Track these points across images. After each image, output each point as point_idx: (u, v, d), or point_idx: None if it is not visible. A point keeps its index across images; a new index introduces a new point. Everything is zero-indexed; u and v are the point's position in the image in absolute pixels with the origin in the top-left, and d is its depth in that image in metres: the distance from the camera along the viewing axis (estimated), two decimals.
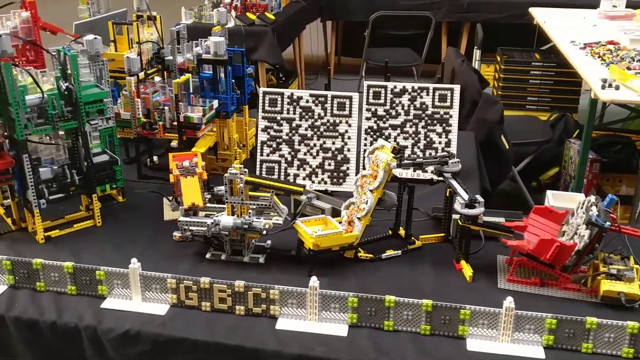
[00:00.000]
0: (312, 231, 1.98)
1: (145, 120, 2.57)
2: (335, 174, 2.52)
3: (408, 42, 6.84)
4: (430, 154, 2.63)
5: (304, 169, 2.53)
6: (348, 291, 1.79)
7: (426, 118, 2.63)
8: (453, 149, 2.62)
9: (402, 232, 2.22)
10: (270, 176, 2.49)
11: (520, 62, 5.70)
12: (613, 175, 4.56)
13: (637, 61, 4.22)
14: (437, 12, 6.82)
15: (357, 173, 2.44)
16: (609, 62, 4.23)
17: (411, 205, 2.15)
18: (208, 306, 1.83)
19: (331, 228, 2.02)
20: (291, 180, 2.53)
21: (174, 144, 2.95)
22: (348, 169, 2.52)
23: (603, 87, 3.72)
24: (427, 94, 2.63)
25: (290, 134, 2.54)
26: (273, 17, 5.89)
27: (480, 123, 3.86)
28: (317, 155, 2.53)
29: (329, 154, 2.53)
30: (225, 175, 1.99)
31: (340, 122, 2.53)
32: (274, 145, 2.54)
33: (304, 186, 2.07)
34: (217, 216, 2.04)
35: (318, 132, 2.53)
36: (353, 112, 2.53)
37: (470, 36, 7.38)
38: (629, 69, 3.80)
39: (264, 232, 1.99)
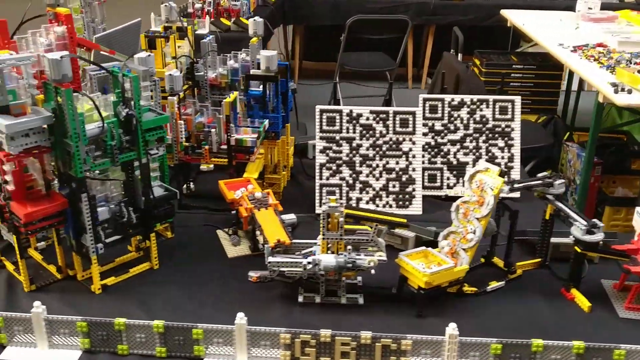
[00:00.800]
0: (422, 267, 1.79)
1: (187, 144, 2.30)
2: (400, 196, 2.34)
3: (377, 45, 6.72)
4: None
5: (367, 192, 2.34)
6: (471, 333, 1.61)
7: (487, 132, 2.48)
8: (516, 164, 2.49)
9: (495, 260, 2.06)
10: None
11: (501, 64, 5.68)
12: (607, 177, 4.58)
13: (634, 63, 4.25)
14: (403, 15, 6.74)
15: None
16: (608, 66, 4.23)
17: (514, 231, 1.99)
18: None
19: (436, 261, 1.84)
20: (353, 205, 2.33)
21: (204, 167, 2.70)
22: (414, 190, 2.34)
23: (616, 92, 3.69)
24: (487, 107, 2.48)
25: (351, 155, 2.34)
26: (247, 22, 5.62)
27: None
28: (381, 176, 2.34)
29: (393, 175, 2.34)
30: (323, 209, 1.77)
31: (404, 139, 2.35)
32: (334, 168, 2.33)
33: (406, 218, 1.88)
34: (312, 255, 1.82)
35: (380, 152, 2.34)
36: (417, 129, 2.35)
37: (435, 39, 7.36)
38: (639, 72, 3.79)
39: (372, 271, 1.78)
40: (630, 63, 4.26)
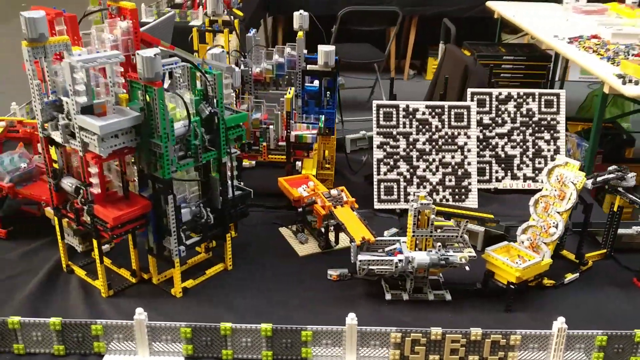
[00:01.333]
0: (511, 262, 1.81)
1: (243, 141, 2.26)
2: (457, 190, 2.35)
3: (362, 37, 6.73)
4: (539, 162, 2.52)
5: (424, 187, 2.34)
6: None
7: (533, 125, 2.52)
8: (562, 155, 2.53)
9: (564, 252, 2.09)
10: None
11: (492, 56, 5.74)
12: (604, 165, 4.71)
13: (632, 55, 4.36)
14: (387, 6, 6.76)
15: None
16: (608, 57, 4.34)
17: (588, 223, 2.02)
18: (437, 359, 1.61)
19: (517, 256, 1.86)
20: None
21: (246, 163, 2.65)
22: (470, 184, 2.36)
23: (624, 83, 3.78)
24: (533, 100, 2.52)
25: (408, 150, 2.33)
26: (241, 14, 5.53)
27: None
28: (437, 170, 2.35)
29: (449, 169, 2.35)
30: (414, 206, 1.76)
31: (459, 134, 2.36)
32: (392, 163, 2.33)
33: (493, 214, 1.89)
34: (397, 252, 1.81)
35: (436, 146, 2.35)
36: (471, 123, 2.36)
37: (418, 30, 7.41)
38: None
39: (466, 267, 1.79)
40: (628, 55, 4.38)
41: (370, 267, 1.79)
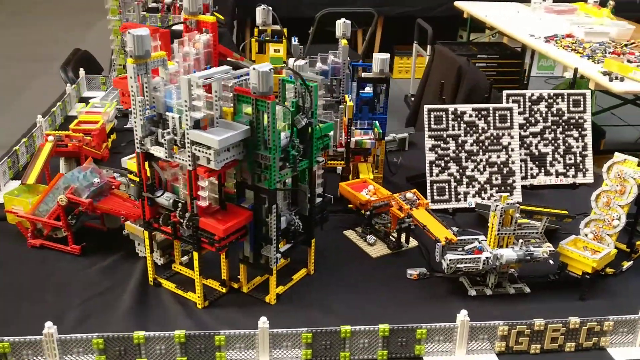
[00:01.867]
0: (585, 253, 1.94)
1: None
2: (502, 188, 2.48)
3: (330, 38, 6.83)
4: (570, 158, 2.68)
5: (473, 186, 2.46)
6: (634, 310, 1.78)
7: (563, 124, 2.68)
8: (589, 152, 2.70)
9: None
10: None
11: (465, 55, 5.94)
12: None
13: (609, 53, 4.64)
14: (352, 6, 6.88)
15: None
16: (587, 55, 4.59)
17: (639, 214, 2.18)
18: (537, 348, 1.72)
19: (583, 247, 2.00)
20: (461, 199, 2.44)
21: None
22: (514, 181, 2.49)
23: (611, 80, 4.02)
24: (562, 100, 2.68)
25: (457, 151, 2.44)
26: (222, 17, 5.52)
27: None
28: (484, 170, 2.47)
29: (495, 168, 2.48)
30: (500, 205, 1.87)
31: (503, 134, 2.49)
32: (443, 165, 2.43)
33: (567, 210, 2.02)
34: (477, 250, 1.92)
35: (483, 147, 2.47)
36: (514, 124, 2.50)
37: (384, 30, 7.57)
38: (629, 62, 4.16)
39: (551, 261, 1.91)
40: (605, 53, 4.65)
41: (458, 265, 1.89)
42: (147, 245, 1.90)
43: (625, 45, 4.91)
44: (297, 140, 1.81)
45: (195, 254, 1.80)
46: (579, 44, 4.91)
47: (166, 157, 1.72)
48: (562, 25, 5.35)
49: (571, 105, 2.68)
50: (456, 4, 6.54)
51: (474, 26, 7.66)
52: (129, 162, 1.93)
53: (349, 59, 2.52)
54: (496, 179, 2.48)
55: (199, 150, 1.64)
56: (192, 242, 1.78)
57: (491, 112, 2.47)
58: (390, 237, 2.21)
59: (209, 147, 1.62)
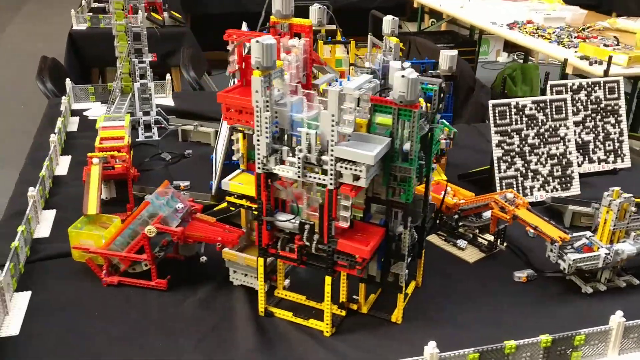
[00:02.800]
0: None
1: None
2: (563, 179, 2.48)
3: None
4: (609, 145, 2.73)
5: (537, 180, 2.44)
6: None
7: (601, 111, 2.72)
8: (625, 137, 2.76)
9: None
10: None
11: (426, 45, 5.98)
12: None
13: (574, 37, 4.80)
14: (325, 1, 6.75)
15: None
16: (555, 41, 4.73)
17: None
18: None
19: None
20: (528, 193, 2.42)
21: None
22: (572, 172, 2.50)
23: (590, 64, 4.16)
24: (600, 88, 2.71)
25: (521, 145, 2.42)
26: (180, 16, 5.24)
27: (478, 107, 4.05)
28: (546, 163, 2.46)
29: (555, 160, 2.48)
30: (615, 201, 1.85)
31: (560, 126, 2.49)
32: (509, 160, 2.40)
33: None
34: (586, 246, 1.90)
35: (544, 140, 2.46)
36: (569, 115, 2.50)
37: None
38: (606, 45, 4.31)
39: None
40: (571, 37, 4.81)
41: (578, 264, 1.86)
42: (261, 274, 1.73)
43: (583, 29, 5.10)
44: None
45: (328, 279, 1.65)
46: (542, 29, 5.04)
47: (298, 176, 1.56)
48: (522, 11, 5.45)
49: (607, 93, 2.72)
50: None
51: (414, 17, 7.75)
52: (232, 183, 1.74)
53: (400, 56, 2.42)
54: (557, 170, 2.47)
55: (345, 168, 1.50)
56: (325, 267, 1.64)
57: (548, 104, 2.46)
58: (479, 239, 2.15)
59: (357, 164, 1.49)
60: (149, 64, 2.92)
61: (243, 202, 1.74)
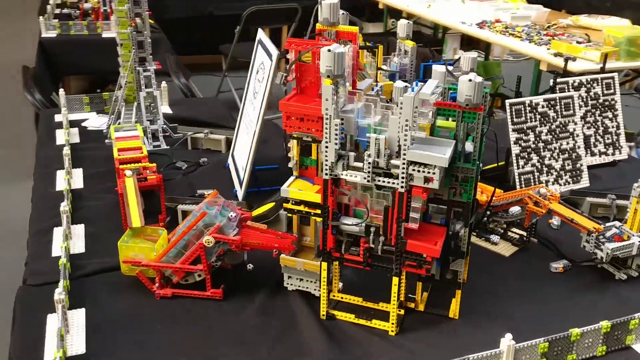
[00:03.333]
0: None
1: None
2: (574, 172, 2.60)
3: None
4: (608, 138, 2.87)
5: (551, 174, 2.55)
6: None
7: (600, 106, 2.85)
8: (622, 131, 2.91)
9: None
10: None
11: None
12: None
13: (544, 35, 4.98)
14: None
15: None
16: (526, 39, 4.91)
17: None
18: None
19: None
20: None
21: None
22: (581, 165, 2.62)
23: (566, 61, 4.33)
24: (598, 84, 2.85)
25: (536, 142, 2.52)
26: (152, 21, 5.15)
27: None
28: (559, 157, 2.57)
29: (566, 155, 2.59)
30: None
31: (569, 122, 2.60)
32: (526, 156, 2.49)
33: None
34: (617, 236, 2.00)
35: (555, 135, 2.56)
36: (576, 110, 2.62)
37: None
38: (578, 42, 4.50)
39: None
40: (541, 35, 5.00)
41: (615, 252, 1.96)
42: (324, 278, 1.76)
43: (549, 27, 5.30)
44: None
45: (396, 279, 1.69)
46: (511, 28, 5.22)
47: (367, 181, 1.59)
48: (487, 11, 5.62)
49: (604, 88, 2.86)
50: None
51: (372, 17, 7.87)
52: (291, 190, 1.75)
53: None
54: (568, 164, 2.58)
55: (418, 170, 1.54)
56: (394, 267, 1.68)
57: (557, 101, 2.57)
58: (509, 233, 2.23)
59: (429, 166, 1.53)
60: (153, 72, 2.89)
61: (301, 207, 1.76)
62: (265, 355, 1.65)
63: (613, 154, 2.89)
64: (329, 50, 1.51)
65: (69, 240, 2.07)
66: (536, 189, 2.12)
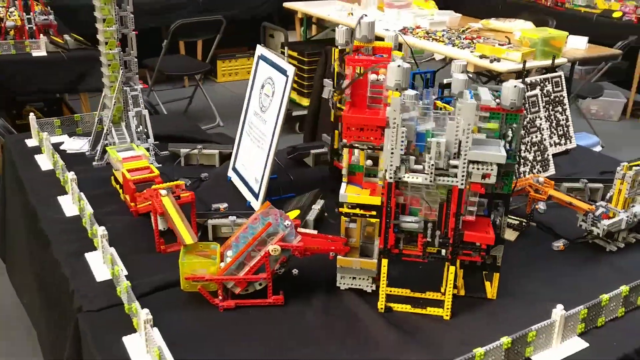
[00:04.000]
0: None
1: None
2: (543, 162, 2.92)
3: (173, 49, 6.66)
4: (560, 130, 3.24)
5: (527, 165, 2.85)
6: None
7: (552, 102, 3.21)
8: (570, 122, 3.29)
9: None
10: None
11: (314, 53, 6.27)
12: None
13: (463, 38, 5.40)
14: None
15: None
16: (449, 43, 5.30)
17: None
18: None
19: None
20: (520, 176, 2.82)
21: None
22: (548, 155, 2.95)
23: (492, 62, 4.76)
24: (549, 83, 3.21)
25: None
26: (82, 38, 5.02)
27: None
28: (531, 150, 2.88)
29: (536, 147, 2.91)
30: (629, 173, 2.29)
31: (536, 117, 2.92)
32: None
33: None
34: (607, 214, 2.32)
35: (527, 130, 2.87)
36: (540, 107, 2.95)
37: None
38: (501, 44, 4.92)
39: None
40: (461, 39, 5.40)
41: (608, 228, 2.27)
42: (384, 274, 1.91)
43: (463, 31, 5.73)
44: None
45: (453, 268, 1.88)
46: (432, 33, 5.59)
47: (430, 181, 1.77)
48: (409, 18, 5.95)
49: (554, 86, 3.22)
50: (286, 4, 6.82)
51: (285, 25, 8.02)
52: (350, 195, 1.90)
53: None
54: (538, 155, 2.90)
55: (477, 168, 1.75)
56: (451, 257, 1.86)
57: (526, 99, 2.87)
58: (509, 220, 2.49)
59: (487, 164, 1.74)
60: (140, 92, 2.90)
61: (357, 211, 1.91)
62: (344, 354, 1.78)
63: (565, 144, 3.25)
64: (399, 66, 1.67)
65: (113, 264, 2.08)
66: (534, 178, 2.40)
